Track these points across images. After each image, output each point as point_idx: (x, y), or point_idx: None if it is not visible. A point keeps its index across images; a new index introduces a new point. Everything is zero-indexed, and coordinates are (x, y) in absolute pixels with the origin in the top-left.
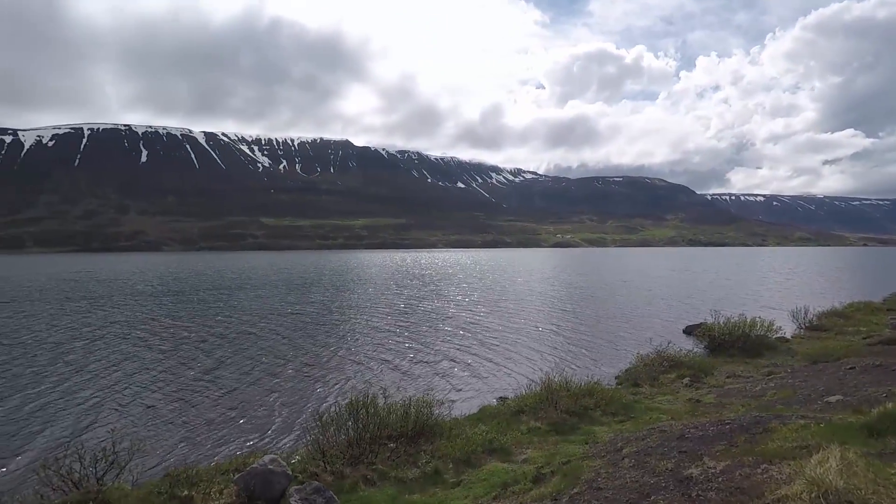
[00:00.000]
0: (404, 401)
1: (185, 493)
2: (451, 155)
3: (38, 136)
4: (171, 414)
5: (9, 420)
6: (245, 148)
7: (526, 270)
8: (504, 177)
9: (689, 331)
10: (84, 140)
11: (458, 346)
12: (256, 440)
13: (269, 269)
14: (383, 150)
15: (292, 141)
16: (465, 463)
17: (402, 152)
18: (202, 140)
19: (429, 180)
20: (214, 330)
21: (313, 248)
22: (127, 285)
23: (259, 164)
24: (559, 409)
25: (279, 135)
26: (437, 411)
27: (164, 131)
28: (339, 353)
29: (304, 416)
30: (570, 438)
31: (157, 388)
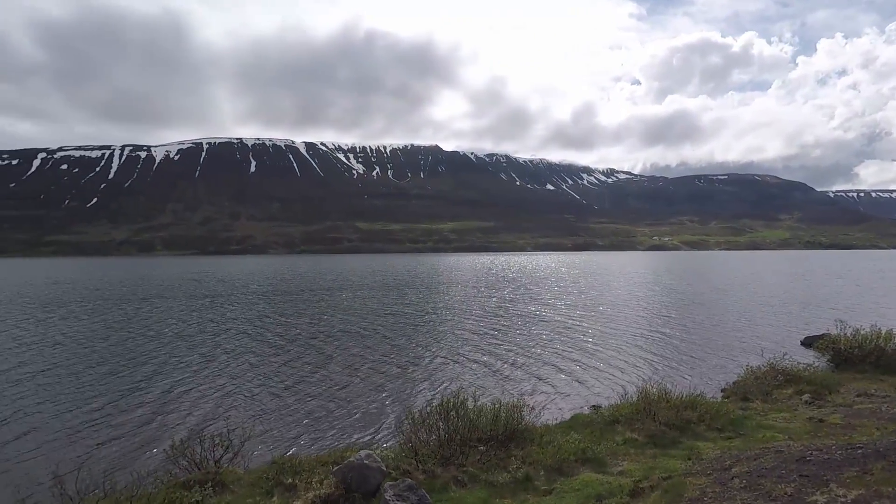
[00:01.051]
0: (494, 404)
1: (290, 480)
2: (541, 157)
3: (167, 151)
4: (277, 406)
5: (146, 404)
6: (341, 156)
7: (622, 273)
8: (596, 177)
9: (808, 342)
10: (203, 154)
11: (551, 351)
12: (353, 435)
13: (365, 271)
14: (472, 153)
15: (384, 148)
16: (556, 471)
17: (491, 155)
18: (303, 150)
19: (517, 183)
20: (318, 328)
21: (404, 252)
22: (242, 285)
23: (354, 171)
24: (658, 420)
25: (372, 142)
26: (528, 417)
27: (270, 143)
28: (431, 354)
29: (397, 414)
30: (669, 452)
31: (266, 382)
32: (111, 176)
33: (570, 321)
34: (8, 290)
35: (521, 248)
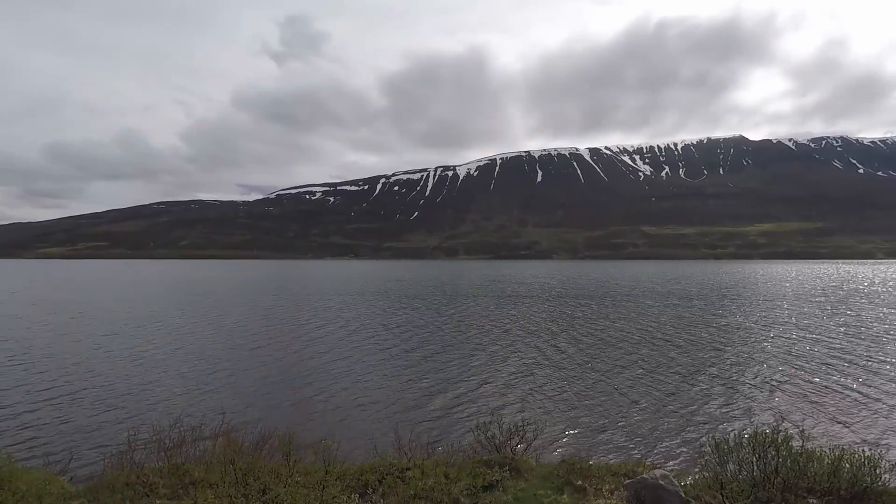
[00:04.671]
0: (832, 449)
1: (579, 482)
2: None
3: (468, 168)
4: (569, 406)
5: (458, 386)
6: (626, 158)
7: None
8: None
9: None
10: (497, 168)
11: None
12: (643, 450)
13: (659, 278)
14: (790, 140)
15: (675, 145)
16: None
17: (818, 140)
18: (587, 156)
19: (860, 171)
20: (615, 335)
21: (698, 258)
22: (538, 288)
23: (640, 173)
24: None
25: (661, 141)
26: (887, 476)
27: (556, 152)
28: (744, 374)
29: (696, 437)
30: None
31: (561, 382)
32: (427, 193)
33: None
34: (374, 283)
35: (867, 255)
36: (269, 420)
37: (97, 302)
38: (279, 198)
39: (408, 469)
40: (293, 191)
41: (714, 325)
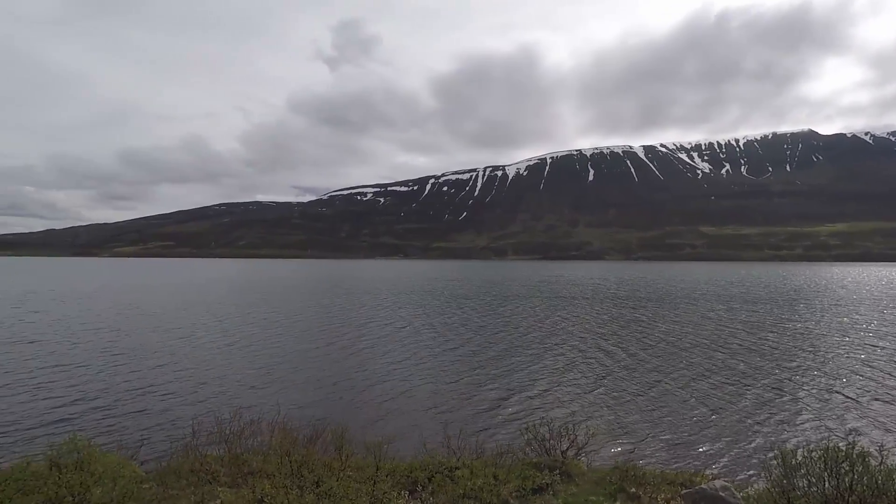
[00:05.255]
0: None
1: (633, 489)
2: None
3: (517, 168)
4: (622, 411)
5: (508, 386)
6: (683, 156)
7: None
8: None
9: None
10: (546, 167)
11: None
12: (701, 459)
13: (719, 280)
14: (866, 133)
15: (737, 141)
16: None
17: None
18: (641, 154)
19: None
20: (672, 338)
21: (762, 260)
22: (592, 289)
23: (698, 171)
24: None
25: (722, 137)
26: None
27: (608, 150)
28: (816, 384)
29: (756, 447)
30: None
31: (614, 385)
32: (476, 193)
33: None
34: (425, 283)
35: None
36: (323, 415)
37: (169, 299)
38: (332, 199)
39: (457, 468)
40: (345, 192)
41: (782, 330)
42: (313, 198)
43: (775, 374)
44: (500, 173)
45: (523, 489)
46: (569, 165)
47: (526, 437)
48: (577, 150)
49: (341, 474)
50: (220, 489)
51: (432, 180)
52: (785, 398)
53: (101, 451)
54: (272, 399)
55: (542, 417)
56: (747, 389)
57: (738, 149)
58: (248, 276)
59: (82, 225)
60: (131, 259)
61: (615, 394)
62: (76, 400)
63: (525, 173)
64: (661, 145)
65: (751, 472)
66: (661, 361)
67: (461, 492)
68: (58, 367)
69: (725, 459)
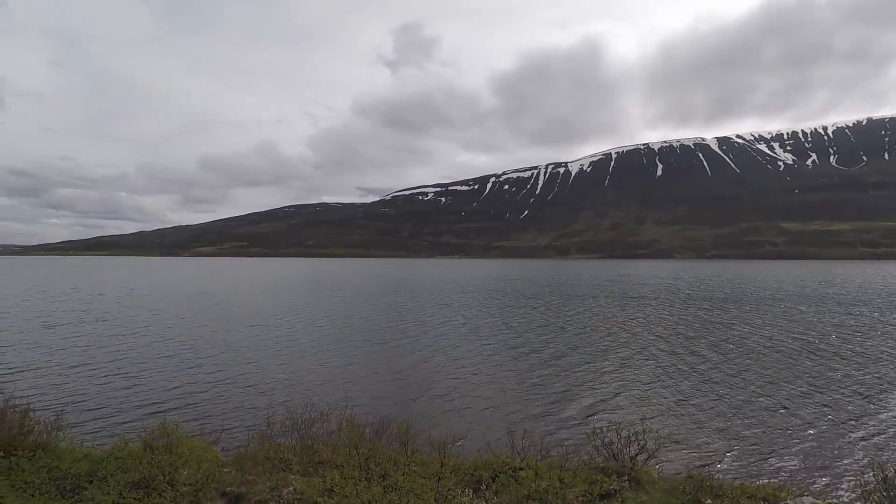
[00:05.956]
0: None
1: (709, 501)
2: None
3: (581, 164)
4: (697, 417)
5: (574, 387)
6: (763, 147)
7: None
8: None
9: None
10: (611, 163)
11: None
12: (787, 472)
13: (806, 279)
14: None
15: (824, 129)
16: None
17: None
18: (714, 146)
19: None
20: (757, 343)
21: (854, 258)
22: (665, 289)
23: (779, 163)
24: None
25: (807, 125)
26: None
27: (678, 144)
28: None
29: (849, 463)
30: None
31: (690, 390)
32: (537, 191)
33: None
34: (488, 282)
35: None
36: (388, 410)
37: (247, 296)
38: (394, 199)
39: (521, 469)
40: (407, 192)
41: (882, 335)
42: (376, 198)
43: (874, 384)
44: (562, 170)
45: (590, 494)
46: (635, 160)
47: (593, 440)
48: (643, 145)
49: (406, 469)
50: (292, 477)
51: (493, 179)
52: (886, 412)
53: (187, 435)
54: (341, 393)
55: (610, 421)
56: (841, 400)
57: (826, 137)
58: (317, 275)
59: (167, 227)
60: (210, 258)
61: (690, 399)
62: (166, 389)
63: (588, 170)
64: (738, 136)
65: (843, 490)
66: (742, 366)
67: (525, 493)
68: (152, 359)
69: (815, 475)
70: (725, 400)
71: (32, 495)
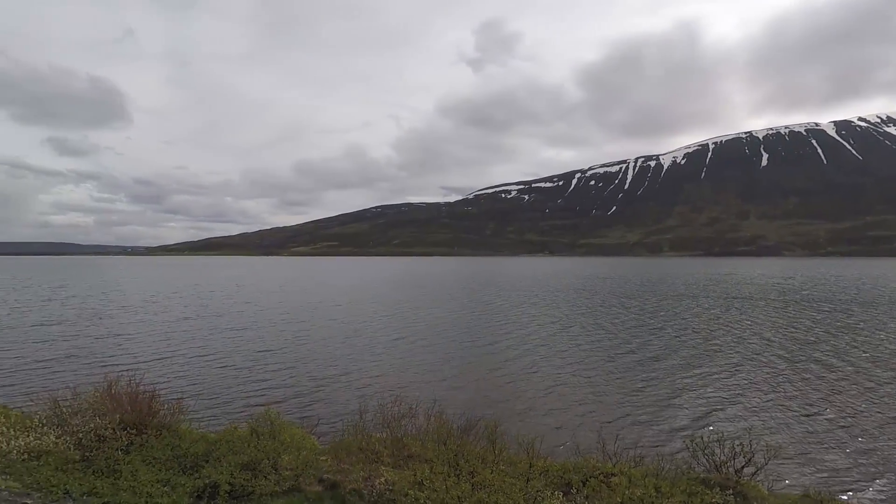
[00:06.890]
0: None
1: None
2: None
3: (674, 157)
4: (812, 430)
5: (675, 393)
6: (892, 129)
7: None
8: None
9: None
10: (709, 154)
11: None
12: (842, 480)
13: None
14: None
15: None
16: None
17: None
18: (831, 131)
19: None
20: (885, 348)
21: None
22: (784, 289)
23: None
24: None
25: None
26: None
27: (786, 130)
28: None
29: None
30: None
31: (804, 401)
32: (626, 186)
33: None
34: (577, 281)
35: None
36: (475, 407)
37: (344, 296)
38: (477, 198)
39: (613, 475)
40: (490, 190)
41: None
42: (459, 197)
43: None
44: (653, 163)
45: None
46: (736, 150)
47: (693, 449)
48: (745, 133)
49: (494, 467)
50: (383, 468)
51: (578, 174)
52: None
53: (288, 423)
54: (429, 388)
55: (712, 430)
56: None
57: None
58: (404, 273)
59: (266, 228)
60: (305, 258)
61: (807, 411)
62: (270, 379)
63: (683, 162)
64: (860, 119)
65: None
66: (872, 377)
67: (618, 500)
68: (259, 352)
69: (864, 483)
70: (850, 414)
71: (160, 470)
